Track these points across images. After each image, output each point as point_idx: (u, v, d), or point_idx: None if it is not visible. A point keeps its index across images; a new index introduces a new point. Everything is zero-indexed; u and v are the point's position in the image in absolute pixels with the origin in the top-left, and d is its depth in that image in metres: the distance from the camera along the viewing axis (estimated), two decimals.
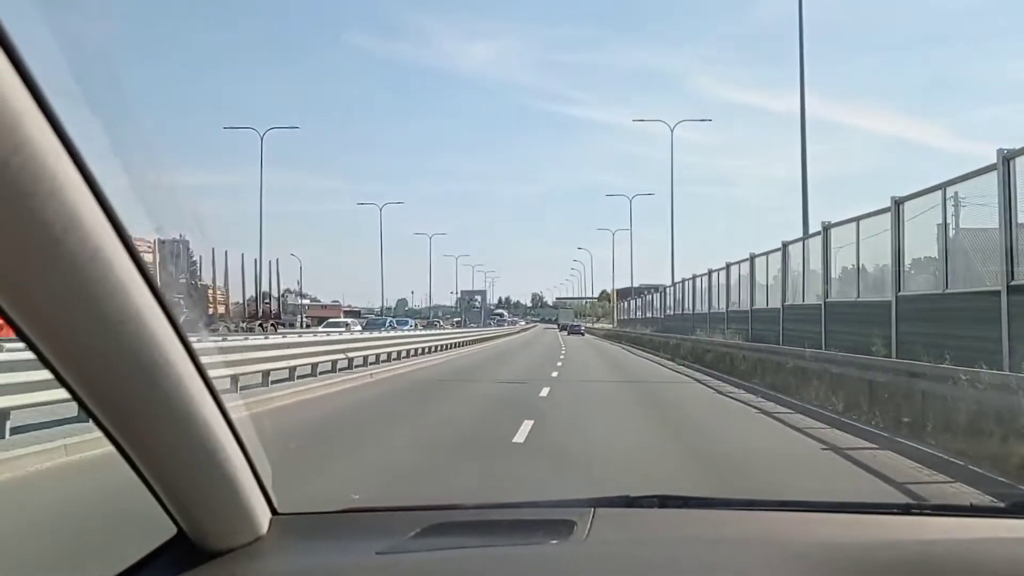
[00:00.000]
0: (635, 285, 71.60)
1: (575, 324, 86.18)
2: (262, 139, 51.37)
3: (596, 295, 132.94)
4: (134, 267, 0.89)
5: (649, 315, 53.28)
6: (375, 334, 26.98)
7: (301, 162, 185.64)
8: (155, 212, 1.07)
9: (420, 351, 26.33)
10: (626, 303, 74.66)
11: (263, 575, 1.16)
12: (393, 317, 60.53)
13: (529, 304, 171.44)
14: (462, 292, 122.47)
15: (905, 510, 1.39)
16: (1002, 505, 1.42)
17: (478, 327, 65.37)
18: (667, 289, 46.42)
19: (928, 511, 1.41)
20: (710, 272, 30.92)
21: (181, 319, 0.99)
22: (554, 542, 1.26)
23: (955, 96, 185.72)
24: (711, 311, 30.25)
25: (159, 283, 0.93)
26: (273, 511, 1.32)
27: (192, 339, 1.03)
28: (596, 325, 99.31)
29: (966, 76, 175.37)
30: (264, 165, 55.32)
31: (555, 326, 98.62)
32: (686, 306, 36.92)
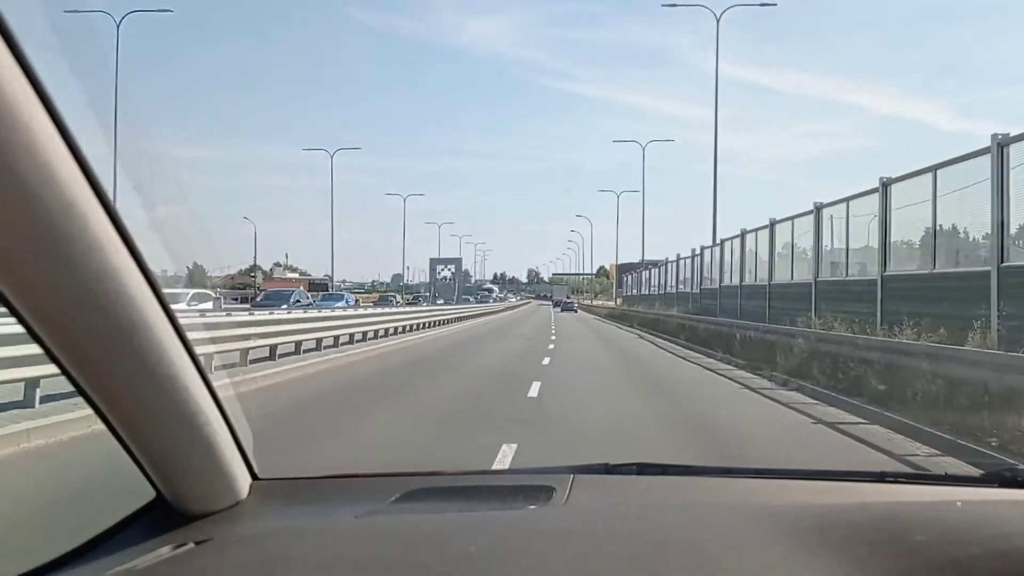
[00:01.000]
0: (637, 260, 64.50)
1: (568, 301, 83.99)
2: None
3: (594, 271, 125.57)
4: (111, 225, 0.88)
5: (665, 290, 43.13)
6: (258, 316, 17.90)
7: (301, 136, 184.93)
8: (132, 172, 1.06)
9: (329, 343, 17.05)
10: (629, 277, 67.41)
11: (241, 537, 1.16)
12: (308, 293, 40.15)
13: (525, 280, 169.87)
14: (430, 260, 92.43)
15: (879, 478, 1.41)
16: (976, 474, 1.44)
17: (451, 305, 49.74)
18: (692, 258, 35.26)
19: (902, 479, 1.43)
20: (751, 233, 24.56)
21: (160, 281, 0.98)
22: (533, 507, 1.26)
23: (957, 76, 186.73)
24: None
25: (136, 242, 0.92)
26: (254, 476, 1.32)
27: (173, 304, 1.02)
28: (595, 303, 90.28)
29: (970, 57, 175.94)
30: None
31: (550, 303, 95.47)
32: (727, 279, 27.88)
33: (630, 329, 34.36)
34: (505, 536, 1.10)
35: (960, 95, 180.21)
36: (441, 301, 65.85)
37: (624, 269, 76.95)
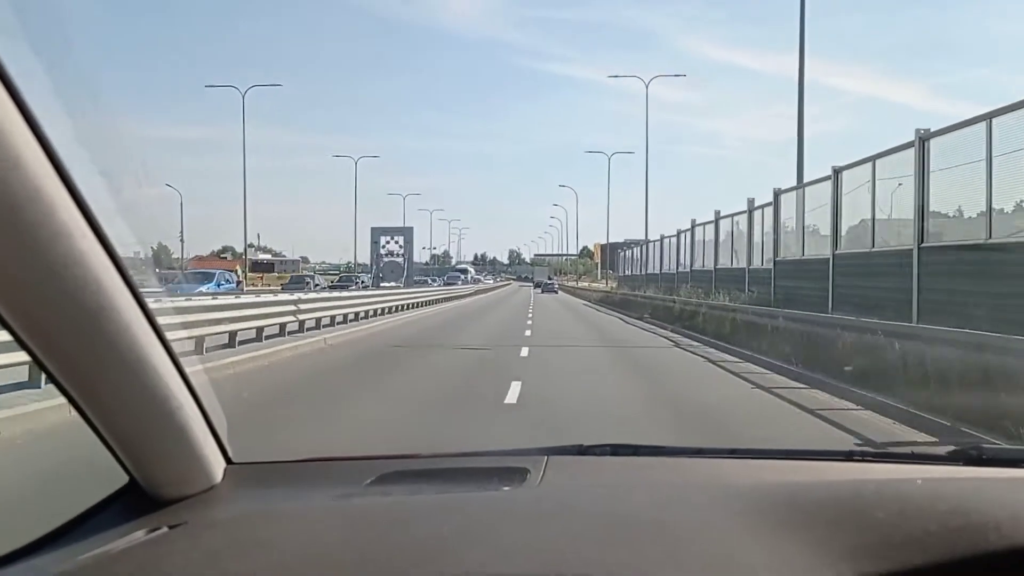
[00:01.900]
0: (621, 241, 61.51)
1: (548, 282, 79.77)
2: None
3: (578, 252, 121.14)
4: (77, 210, 0.87)
5: (678, 268, 32.35)
6: None
7: (277, 117, 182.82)
8: (98, 157, 1.05)
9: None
10: (626, 253, 54.57)
11: (215, 521, 1.16)
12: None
13: (506, 261, 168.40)
14: (371, 230, 68.50)
15: (848, 456, 1.45)
16: (942, 453, 1.48)
17: (398, 289, 39.32)
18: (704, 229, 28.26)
19: (870, 458, 1.46)
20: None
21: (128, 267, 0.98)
22: (507, 488, 1.28)
23: (937, 56, 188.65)
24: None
25: (103, 227, 0.92)
26: (228, 461, 1.32)
27: (142, 290, 1.02)
28: (580, 285, 78.72)
29: (948, 37, 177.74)
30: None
31: (531, 284, 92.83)
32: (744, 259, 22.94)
33: (649, 326, 22.46)
34: (478, 518, 1.11)
35: (939, 76, 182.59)
36: (392, 284, 52.16)
37: (610, 249, 71.93)
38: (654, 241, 40.55)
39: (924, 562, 0.87)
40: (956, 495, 1.04)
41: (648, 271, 41.24)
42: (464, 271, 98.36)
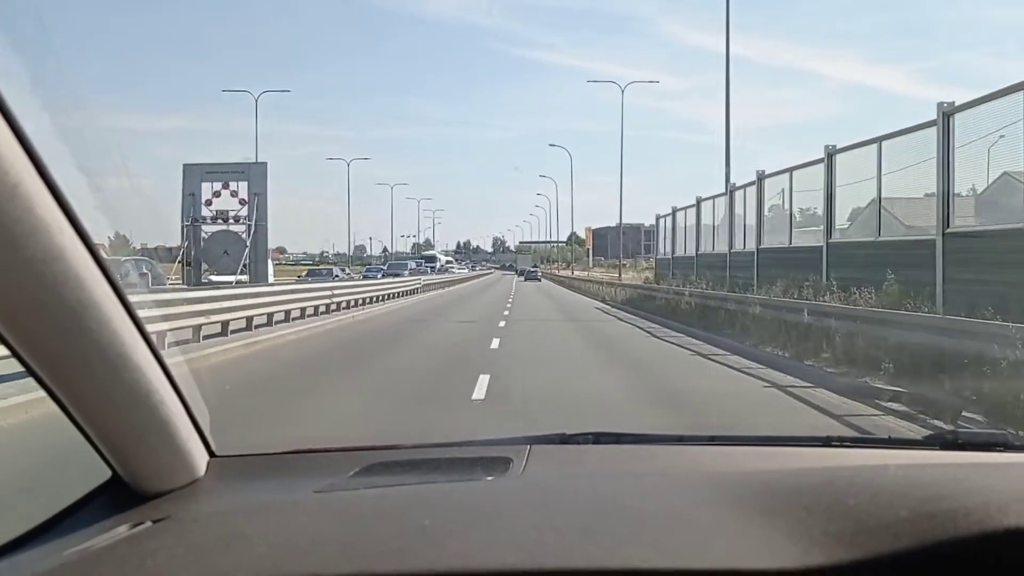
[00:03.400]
0: (605, 225, 55.68)
1: (532, 270, 77.03)
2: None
3: (565, 239, 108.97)
4: (56, 205, 0.87)
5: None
6: None
7: (260, 107, 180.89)
8: (77, 151, 1.05)
9: None
10: (666, 223, 31.26)
11: (198, 514, 1.16)
12: None
13: (490, 250, 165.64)
14: (184, 169, 31.09)
15: (825, 442, 1.47)
16: (918, 438, 1.50)
17: (240, 285, 21.99)
18: None
19: (847, 443, 1.49)
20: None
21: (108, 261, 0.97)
22: (490, 478, 1.29)
23: (922, 42, 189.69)
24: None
25: (83, 222, 0.92)
26: (211, 454, 1.33)
27: (121, 283, 1.01)
28: (576, 275, 62.74)
29: (930, 22, 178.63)
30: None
31: (514, 272, 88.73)
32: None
33: None
34: (461, 508, 1.12)
35: (922, 60, 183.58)
36: (228, 279, 26.90)
37: (599, 234, 68.25)
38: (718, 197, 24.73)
39: (896, 548, 0.89)
40: (928, 482, 1.05)
41: (701, 250, 26.18)
42: (431, 259, 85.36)
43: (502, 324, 18.00)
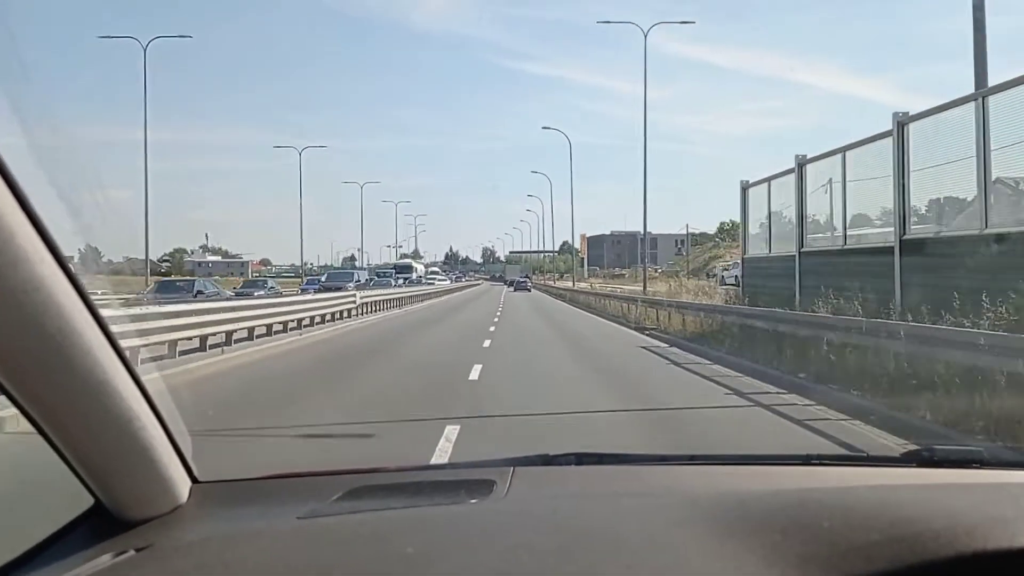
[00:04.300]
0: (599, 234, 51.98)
1: (521, 280, 75.59)
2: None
3: (556, 249, 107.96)
4: (38, 237, 0.87)
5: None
6: None
7: (247, 117, 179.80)
8: (54, 174, 1.03)
9: None
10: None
11: (182, 542, 1.15)
12: None
13: (480, 260, 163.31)
14: None
15: (805, 461, 1.48)
16: (896, 455, 1.52)
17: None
18: None
19: (827, 461, 1.50)
20: None
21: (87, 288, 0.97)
22: (474, 501, 1.29)
23: (903, 52, 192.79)
24: None
25: (63, 252, 0.91)
26: (193, 480, 1.31)
27: (102, 310, 1.01)
28: (578, 286, 53.26)
29: (912, 32, 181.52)
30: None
31: (503, 283, 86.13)
32: None
33: None
34: (444, 533, 1.12)
35: (903, 71, 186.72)
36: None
37: (594, 243, 65.24)
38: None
39: (869, 571, 0.90)
40: (901, 503, 1.07)
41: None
42: (405, 268, 75.36)
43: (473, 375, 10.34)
